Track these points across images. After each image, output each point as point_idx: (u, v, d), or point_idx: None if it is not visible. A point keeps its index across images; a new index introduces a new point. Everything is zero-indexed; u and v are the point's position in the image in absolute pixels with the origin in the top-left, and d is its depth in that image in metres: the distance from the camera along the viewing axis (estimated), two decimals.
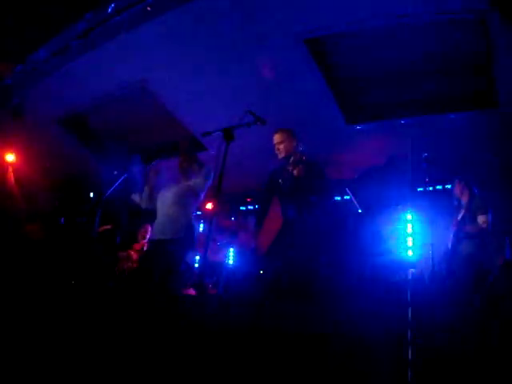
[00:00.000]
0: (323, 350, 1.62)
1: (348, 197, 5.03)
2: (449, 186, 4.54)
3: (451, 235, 4.21)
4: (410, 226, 5.74)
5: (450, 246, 4.19)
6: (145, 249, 5.52)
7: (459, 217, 4.18)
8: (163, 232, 3.69)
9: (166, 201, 3.85)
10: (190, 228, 3.70)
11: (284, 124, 3.64)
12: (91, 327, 2.18)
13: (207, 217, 7.55)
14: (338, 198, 6.40)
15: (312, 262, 3.27)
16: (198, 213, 7.89)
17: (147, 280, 3.67)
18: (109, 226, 5.60)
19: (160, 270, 3.53)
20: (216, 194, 2.76)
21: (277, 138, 3.56)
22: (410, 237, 5.69)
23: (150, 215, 4.04)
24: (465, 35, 4.25)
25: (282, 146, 3.52)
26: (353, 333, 1.69)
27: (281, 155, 3.53)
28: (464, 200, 4.26)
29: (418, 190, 5.23)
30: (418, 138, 5.14)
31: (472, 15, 3.89)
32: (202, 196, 3.88)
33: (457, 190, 4.37)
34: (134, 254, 5.67)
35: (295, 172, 3.24)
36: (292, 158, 3.35)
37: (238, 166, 4.62)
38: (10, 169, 6.79)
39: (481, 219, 4.06)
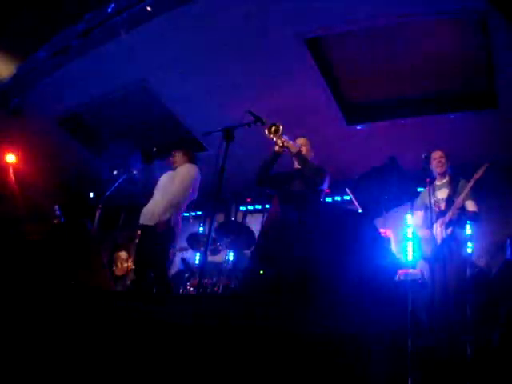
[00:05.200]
0: (322, 351, 1.62)
1: (348, 197, 5.02)
2: None
3: (434, 219, 3.72)
4: (410, 225, 5.74)
5: (438, 233, 3.72)
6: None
7: (442, 198, 3.84)
8: (145, 217, 3.89)
9: (156, 189, 4.08)
10: (165, 216, 3.75)
11: (284, 124, 3.65)
12: (91, 326, 2.19)
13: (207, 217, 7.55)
14: (338, 198, 6.39)
15: (311, 263, 3.27)
16: (199, 213, 7.90)
17: (140, 272, 3.93)
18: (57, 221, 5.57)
19: (146, 257, 3.79)
20: (216, 193, 2.77)
21: (301, 140, 3.79)
22: (410, 236, 5.69)
23: None
24: (465, 35, 4.25)
25: (304, 149, 3.73)
26: (352, 334, 1.69)
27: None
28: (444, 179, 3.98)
29: (418, 190, 5.22)
30: (418, 137, 5.14)
31: (472, 15, 3.90)
32: (189, 187, 3.91)
33: (433, 162, 3.98)
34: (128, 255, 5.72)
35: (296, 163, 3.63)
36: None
37: (238, 166, 4.62)
38: (11, 169, 6.78)
39: (469, 204, 3.75)
